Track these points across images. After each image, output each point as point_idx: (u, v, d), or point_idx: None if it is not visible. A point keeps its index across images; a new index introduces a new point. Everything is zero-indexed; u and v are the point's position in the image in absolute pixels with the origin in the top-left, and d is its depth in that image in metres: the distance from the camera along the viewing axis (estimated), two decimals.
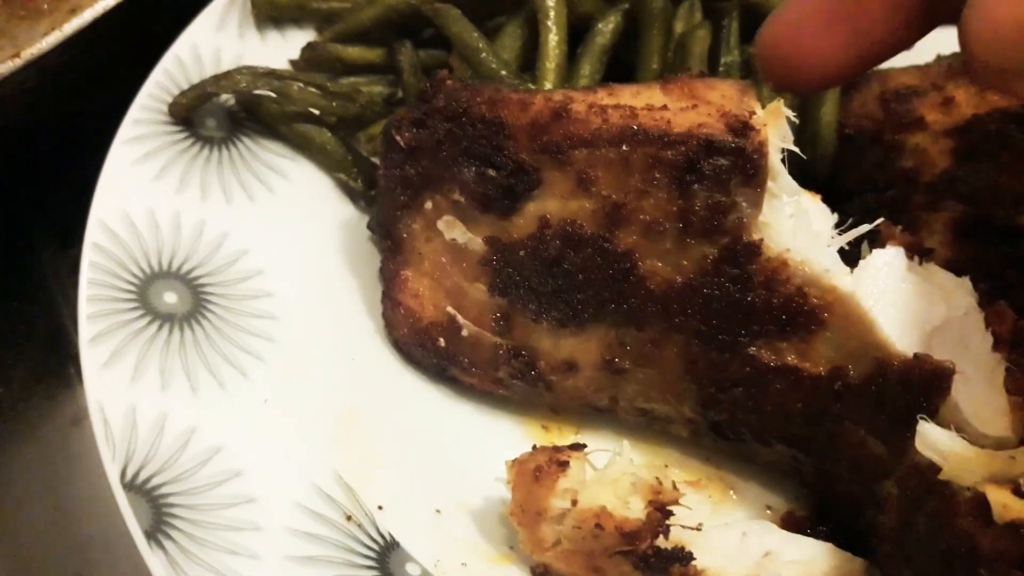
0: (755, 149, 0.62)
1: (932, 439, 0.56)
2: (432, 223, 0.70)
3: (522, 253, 0.67)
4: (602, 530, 0.59)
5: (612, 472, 0.61)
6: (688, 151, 0.62)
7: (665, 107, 0.64)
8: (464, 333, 0.71)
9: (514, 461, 0.65)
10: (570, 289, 0.67)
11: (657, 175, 0.63)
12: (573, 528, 0.60)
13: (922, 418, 0.57)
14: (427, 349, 0.73)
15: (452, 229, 0.69)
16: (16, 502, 0.84)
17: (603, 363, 0.68)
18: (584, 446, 0.65)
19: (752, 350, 0.64)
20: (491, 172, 0.66)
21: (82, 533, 0.82)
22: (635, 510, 0.59)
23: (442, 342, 0.72)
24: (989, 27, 0.49)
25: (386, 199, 0.72)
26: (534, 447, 0.66)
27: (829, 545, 0.63)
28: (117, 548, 0.80)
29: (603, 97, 0.65)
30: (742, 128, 0.62)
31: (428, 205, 0.70)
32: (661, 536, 0.59)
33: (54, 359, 0.93)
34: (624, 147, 0.63)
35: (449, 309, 0.71)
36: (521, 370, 0.70)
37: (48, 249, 1.00)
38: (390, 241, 0.73)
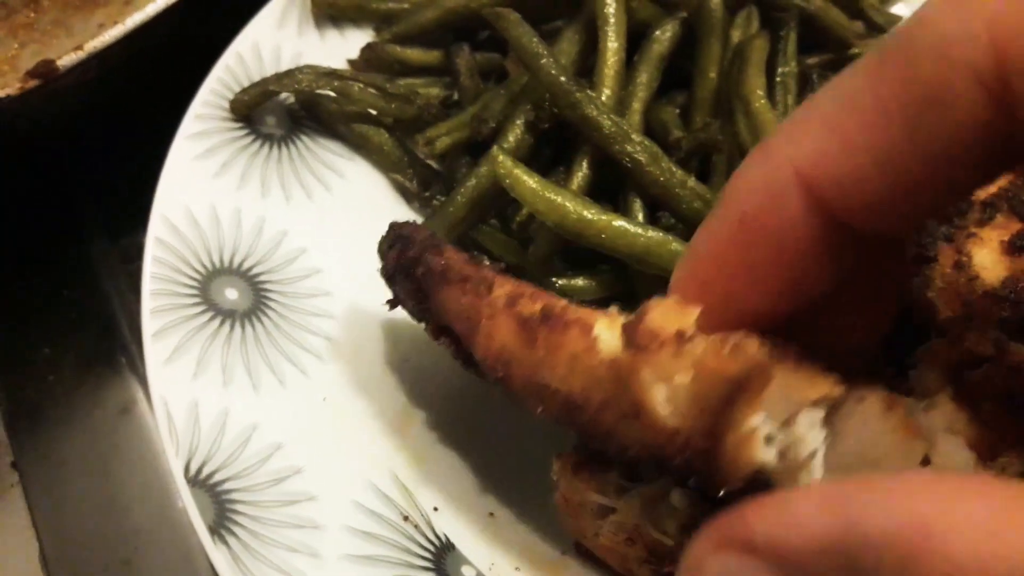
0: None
1: None
2: None
3: None
4: (633, 544, 0.60)
5: (651, 490, 0.62)
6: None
7: (604, 407, 0.49)
8: None
9: (560, 454, 0.65)
10: None
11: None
12: (608, 531, 0.61)
13: None
14: None
15: None
16: (65, 489, 0.85)
17: None
18: None
19: None
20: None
21: (131, 521, 0.83)
22: (669, 532, 0.60)
23: None
24: None
25: None
26: None
27: None
28: (166, 536, 0.81)
29: (544, 361, 0.52)
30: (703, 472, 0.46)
31: None
32: None
33: (104, 348, 0.94)
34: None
35: None
36: None
37: (100, 240, 1.01)
38: None
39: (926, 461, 0.45)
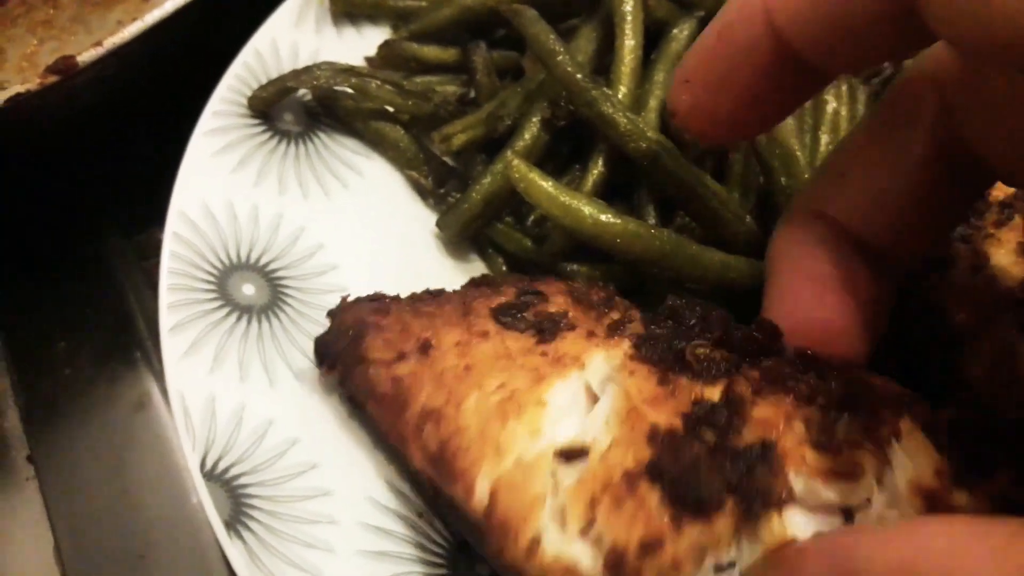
0: None
1: None
2: None
3: None
4: None
5: None
6: None
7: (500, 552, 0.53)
8: None
9: None
10: None
11: None
12: None
13: None
14: None
15: None
16: (81, 484, 0.85)
17: None
18: None
19: None
20: None
21: (145, 515, 0.83)
22: None
23: None
24: None
25: None
26: None
27: None
28: (180, 530, 0.82)
29: (454, 492, 0.56)
30: None
31: None
32: None
33: (120, 343, 0.95)
34: None
35: None
36: None
37: (116, 236, 1.02)
38: None
39: None
